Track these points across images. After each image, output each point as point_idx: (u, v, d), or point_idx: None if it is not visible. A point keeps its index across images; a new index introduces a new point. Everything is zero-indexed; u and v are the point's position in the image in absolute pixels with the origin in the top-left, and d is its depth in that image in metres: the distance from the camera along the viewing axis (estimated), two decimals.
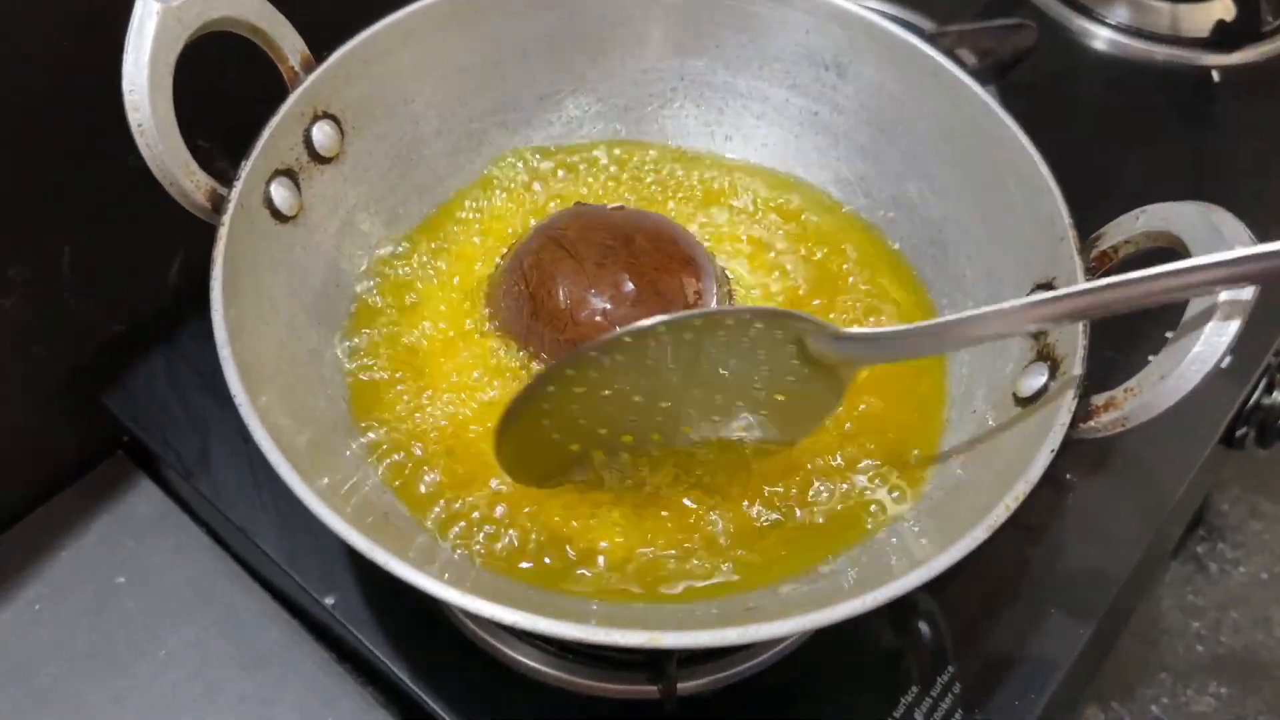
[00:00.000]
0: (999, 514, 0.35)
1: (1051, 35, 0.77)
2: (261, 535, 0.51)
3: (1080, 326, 0.40)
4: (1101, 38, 0.78)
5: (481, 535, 0.41)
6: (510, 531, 0.42)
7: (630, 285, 0.45)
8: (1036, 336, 0.42)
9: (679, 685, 0.44)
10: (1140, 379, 0.38)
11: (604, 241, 0.47)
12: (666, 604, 0.41)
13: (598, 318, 0.45)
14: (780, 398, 0.43)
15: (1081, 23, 0.78)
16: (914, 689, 0.47)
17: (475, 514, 0.42)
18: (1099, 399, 0.39)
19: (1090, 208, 0.43)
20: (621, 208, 0.50)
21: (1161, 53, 0.76)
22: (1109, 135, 0.72)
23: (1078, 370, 0.39)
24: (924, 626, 0.49)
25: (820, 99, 0.53)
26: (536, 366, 0.46)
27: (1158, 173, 0.69)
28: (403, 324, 0.48)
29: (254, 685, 0.51)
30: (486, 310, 0.48)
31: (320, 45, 0.46)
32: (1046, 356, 0.41)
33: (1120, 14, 0.78)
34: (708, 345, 0.39)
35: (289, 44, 0.45)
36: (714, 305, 0.47)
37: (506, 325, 0.48)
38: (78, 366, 0.56)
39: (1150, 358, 0.58)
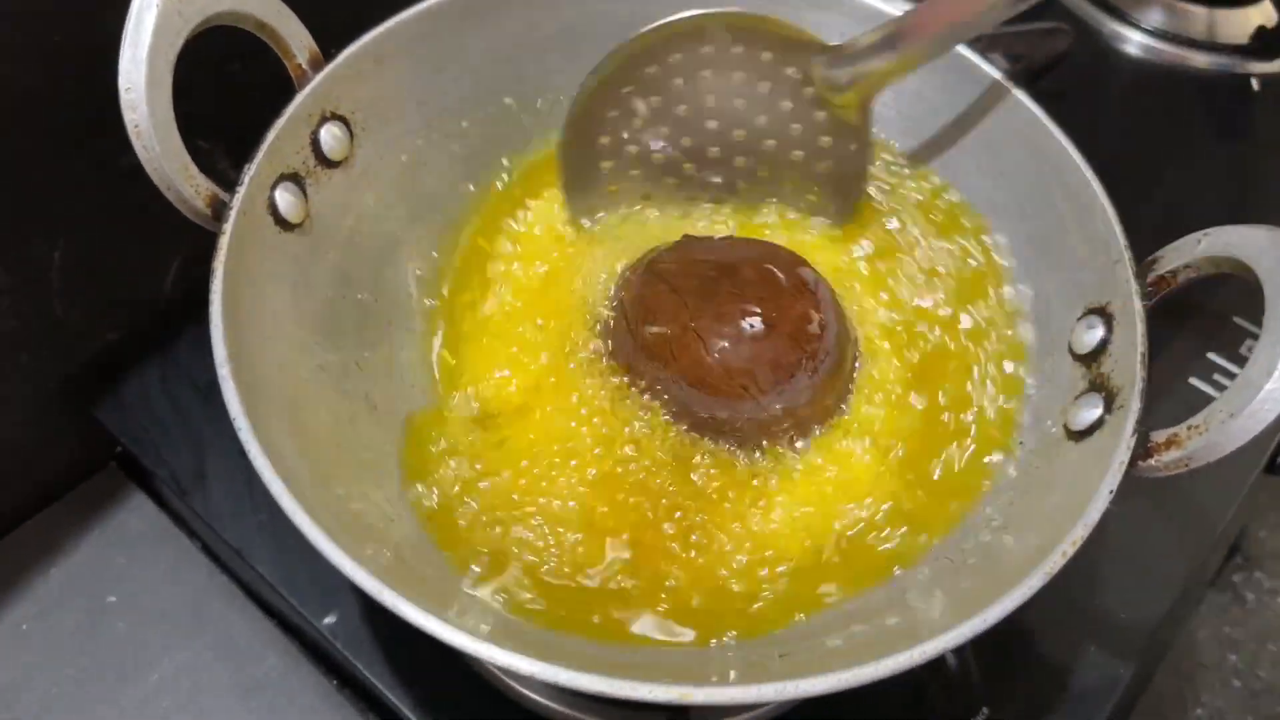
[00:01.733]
0: (1055, 561, 0.33)
1: (1082, 39, 0.74)
2: (258, 557, 0.48)
3: (1139, 357, 0.37)
4: (1135, 42, 0.75)
5: (506, 576, 0.39)
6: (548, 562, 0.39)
7: (743, 320, 0.43)
8: (1089, 365, 0.40)
9: None
10: (1206, 415, 0.35)
11: (706, 273, 0.44)
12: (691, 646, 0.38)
13: (710, 354, 0.42)
14: (820, 164, 0.48)
15: (1114, 26, 0.76)
16: None
17: (498, 552, 0.40)
18: (1159, 435, 0.36)
19: (1123, 219, 0.41)
20: (730, 237, 0.48)
21: (1198, 59, 0.74)
22: (1143, 144, 0.69)
23: (1136, 404, 0.36)
24: (956, 665, 0.47)
25: None
26: (649, 400, 0.44)
27: (1194, 184, 0.67)
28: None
29: (250, 713, 0.49)
30: (606, 344, 0.46)
31: (330, 42, 0.44)
32: (1101, 387, 0.39)
33: (1155, 18, 0.75)
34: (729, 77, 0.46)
35: (297, 40, 0.42)
36: (831, 341, 0.44)
37: (618, 358, 0.45)
38: (68, 376, 0.53)
39: (1192, 380, 0.57)
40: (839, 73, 0.45)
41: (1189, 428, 0.35)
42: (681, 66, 0.46)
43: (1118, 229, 0.40)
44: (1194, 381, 0.56)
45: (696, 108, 0.48)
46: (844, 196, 0.49)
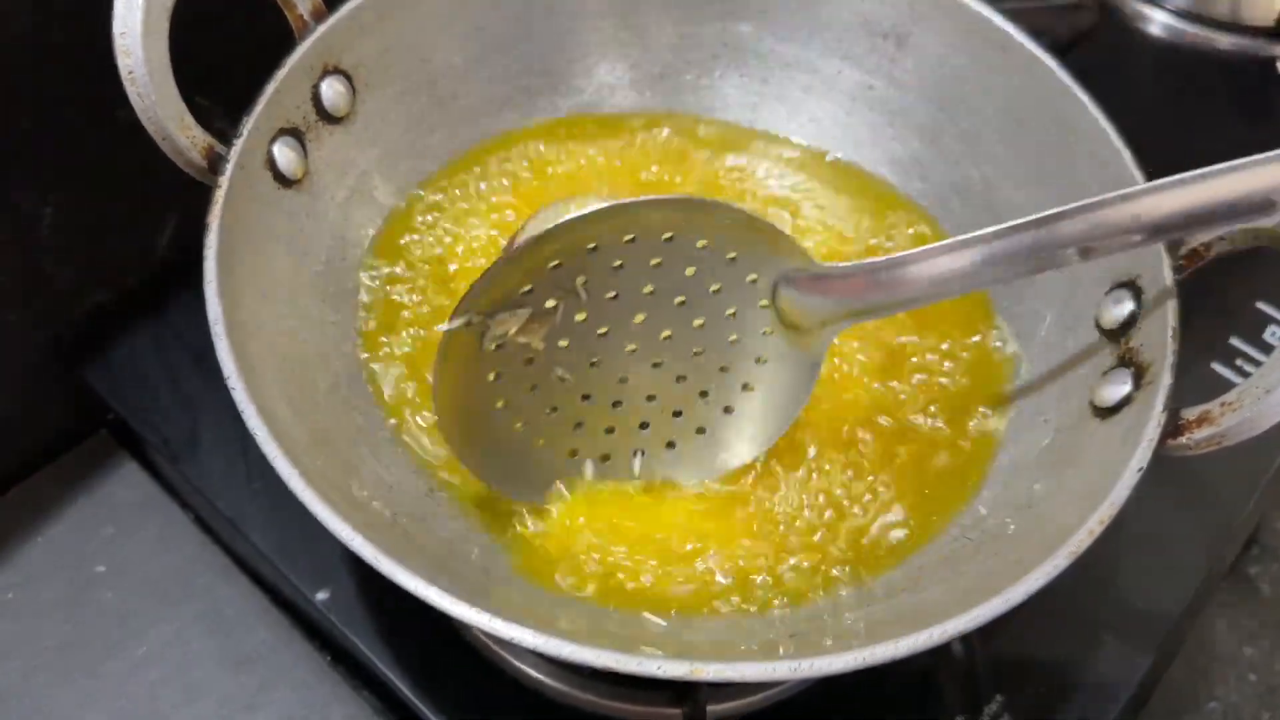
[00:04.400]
0: (1081, 539, 0.32)
1: (1106, 19, 0.72)
2: (252, 528, 0.47)
3: (1170, 332, 0.36)
4: (1158, 22, 0.74)
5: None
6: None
7: None
8: (1117, 340, 0.39)
9: (708, 708, 0.41)
10: (1241, 392, 0.34)
11: None
12: (696, 618, 0.37)
13: None
14: (750, 387, 0.40)
15: (1138, 6, 0.74)
16: (960, 719, 0.43)
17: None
18: (1190, 413, 0.35)
19: None
20: None
21: (1222, 41, 0.72)
22: (1165, 126, 0.67)
23: (1167, 379, 0.35)
24: (970, 652, 0.45)
25: (876, 71, 0.49)
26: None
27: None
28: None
29: (239, 688, 0.47)
30: None
31: None
32: (1129, 362, 0.38)
33: None
34: (671, 276, 0.36)
35: None
36: None
37: None
38: (58, 337, 0.52)
39: (1213, 364, 0.56)
40: (813, 300, 0.37)
41: (1223, 404, 0.34)
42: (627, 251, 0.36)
43: None
44: (1216, 366, 0.54)
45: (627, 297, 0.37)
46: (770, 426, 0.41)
